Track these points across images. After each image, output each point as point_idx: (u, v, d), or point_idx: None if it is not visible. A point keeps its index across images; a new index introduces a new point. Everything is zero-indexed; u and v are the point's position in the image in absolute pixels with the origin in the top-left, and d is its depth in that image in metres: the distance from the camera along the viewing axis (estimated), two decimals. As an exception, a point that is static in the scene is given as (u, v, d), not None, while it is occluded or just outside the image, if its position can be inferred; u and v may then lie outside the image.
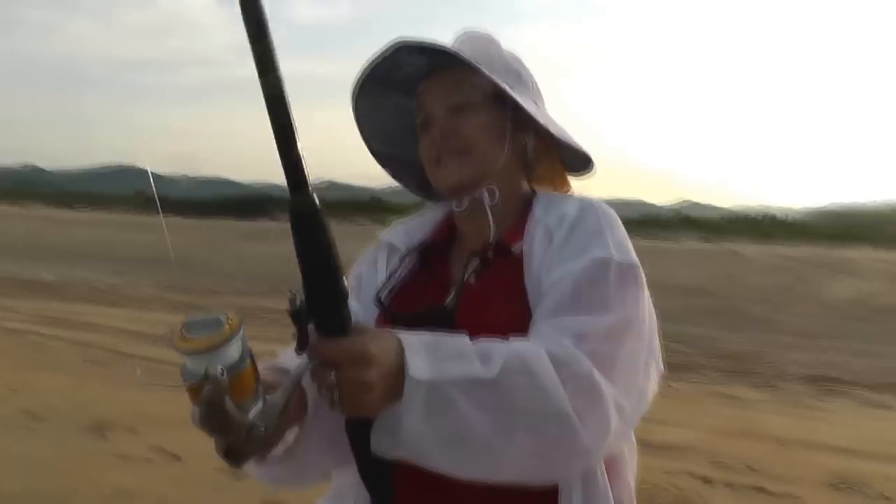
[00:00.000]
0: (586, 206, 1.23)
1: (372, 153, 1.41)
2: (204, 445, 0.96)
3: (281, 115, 0.83)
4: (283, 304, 0.89)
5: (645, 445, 4.07)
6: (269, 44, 0.81)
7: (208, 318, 0.86)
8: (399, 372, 0.94)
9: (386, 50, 1.24)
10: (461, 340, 1.01)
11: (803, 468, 5.07)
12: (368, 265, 1.35)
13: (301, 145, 0.84)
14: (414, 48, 1.24)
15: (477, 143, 1.25)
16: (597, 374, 1.02)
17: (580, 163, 1.38)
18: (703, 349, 10.18)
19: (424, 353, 0.96)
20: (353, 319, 0.96)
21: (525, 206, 1.30)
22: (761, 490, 4.66)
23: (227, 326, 0.85)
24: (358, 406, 0.93)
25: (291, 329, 0.91)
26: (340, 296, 0.90)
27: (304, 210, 0.87)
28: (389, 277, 1.30)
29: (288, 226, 0.88)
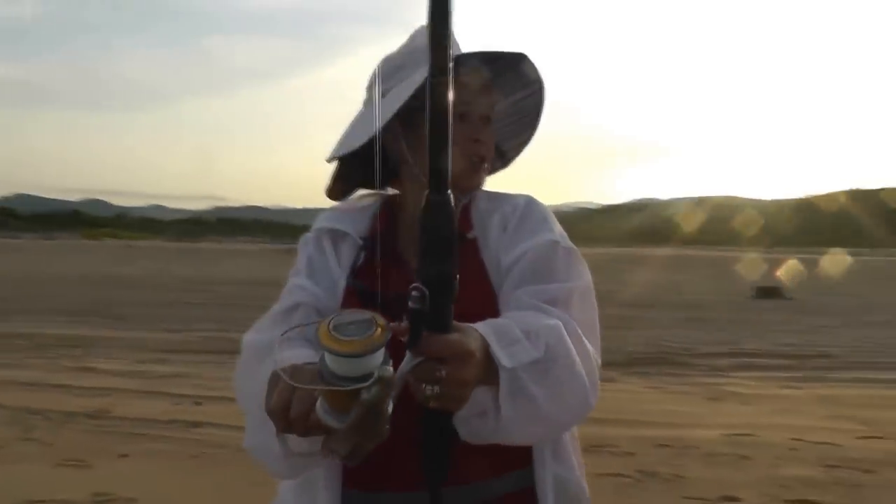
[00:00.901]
0: (531, 200, 1.39)
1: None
2: None
3: (442, 123, 0.90)
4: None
5: None
6: (448, 52, 0.87)
7: (356, 317, 0.85)
8: (488, 363, 1.02)
9: (506, 52, 1.33)
10: (509, 324, 1.10)
11: None
12: (316, 251, 1.37)
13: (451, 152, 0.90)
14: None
15: (492, 155, 1.40)
16: (583, 337, 1.19)
17: None
18: None
19: (497, 343, 1.04)
20: (313, 302, 1.23)
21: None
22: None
23: (379, 328, 0.84)
24: (459, 400, 0.97)
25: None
26: (455, 292, 0.93)
27: (442, 210, 0.92)
28: (355, 262, 1.33)
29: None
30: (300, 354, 1.10)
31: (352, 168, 1.42)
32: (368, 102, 1.40)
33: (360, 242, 1.36)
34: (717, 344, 11.74)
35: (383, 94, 1.35)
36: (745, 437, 5.96)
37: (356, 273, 1.32)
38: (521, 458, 1.26)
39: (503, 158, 1.50)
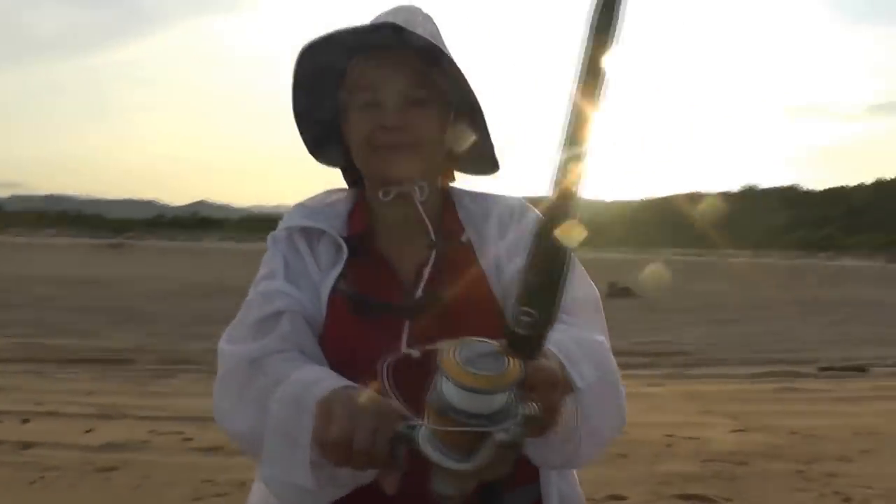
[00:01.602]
0: (525, 203, 1.34)
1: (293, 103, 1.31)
2: None
3: (582, 143, 0.80)
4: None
5: None
6: (603, 77, 0.77)
7: (483, 348, 0.79)
8: (567, 387, 1.01)
9: (377, 24, 1.20)
10: (568, 342, 1.06)
11: None
12: (290, 251, 1.28)
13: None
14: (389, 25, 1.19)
15: (428, 141, 1.24)
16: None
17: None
18: None
19: (569, 363, 1.03)
20: (298, 308, 1.18)
21: (445, 198, 1.34)
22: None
23: (511, 361, 0.78)
24: (552, 427, 0.96)
25: None
26: (556, 318, 0.85)
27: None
28: (335, 264, 1.26)
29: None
30: (320, 376, 1.06)
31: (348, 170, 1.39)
32: None
33: (341, 242, 1.27)
34: None
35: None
36: (619, 436, 5.88)
37: (344, 277, 1.24)
38: (528, 474, 1.22)
39: (483, 155, 1.35)
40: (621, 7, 0.77)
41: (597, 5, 0.77)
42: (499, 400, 0.77)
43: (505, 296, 1.24)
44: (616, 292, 19.79)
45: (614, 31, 0.77)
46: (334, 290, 1.23)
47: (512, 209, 1.33)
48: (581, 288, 1.27)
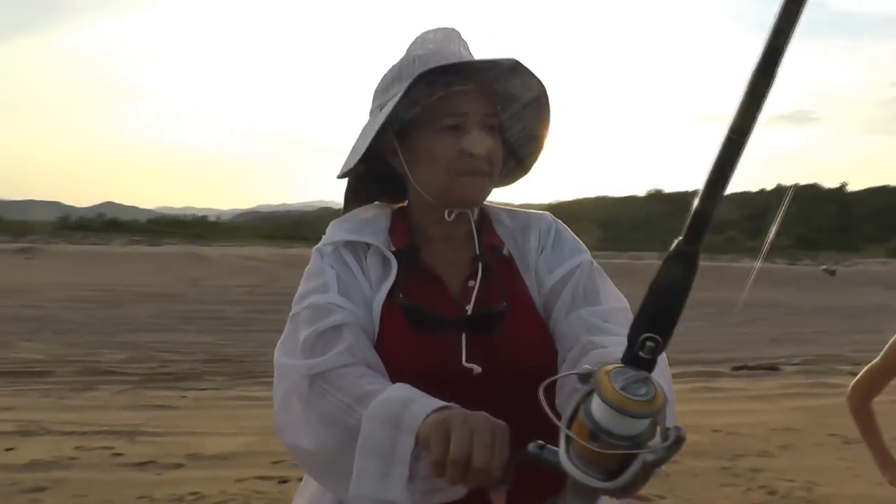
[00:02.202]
0: (552, 218, 1.42)
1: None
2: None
3: (723, 175, 0.78)
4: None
5: (200, 458, 5.30)
6: (756, 115, 0.73)
7: (634, 374, 0.81)
8: None
9: (502, 60, 1.26)
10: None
11: None
12: (339, 265, 1.30)
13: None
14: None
15: (498, 166, 1.31)
16: None
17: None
18: (199, 355, 9.77)
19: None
20: (355, 321, 1.22)
21: (479, 214, 1.39)
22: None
23: (657, 388, 0.81)
24: None
25: None
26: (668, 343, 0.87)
27: (690, 262, 0.84)
28: (385, 277, 1.29)
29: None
30: (412, 395, 1.07)
31: (354, 184, 1.42)
32: (370, 116, 1.36)
33: (390, 255, 1.31)
34: None
35: (379, 108, 1.32)
36: None
37: (399, 289, 1.27)
38: (556, 484, 1.16)
39: (522, 165, 1.45)
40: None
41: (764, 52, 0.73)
42: (646, 423, 0.80)
43: (545, 308, 1.31)
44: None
45: (775, 75, 0.75)
46: (388, 302, 1.26)
47: (549, 225, 1.39)
48: (617, 299, 1.32)
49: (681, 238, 0.83)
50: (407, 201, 1.39)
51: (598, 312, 1.26)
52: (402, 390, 1.09)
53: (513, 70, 1.30)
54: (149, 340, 10.94)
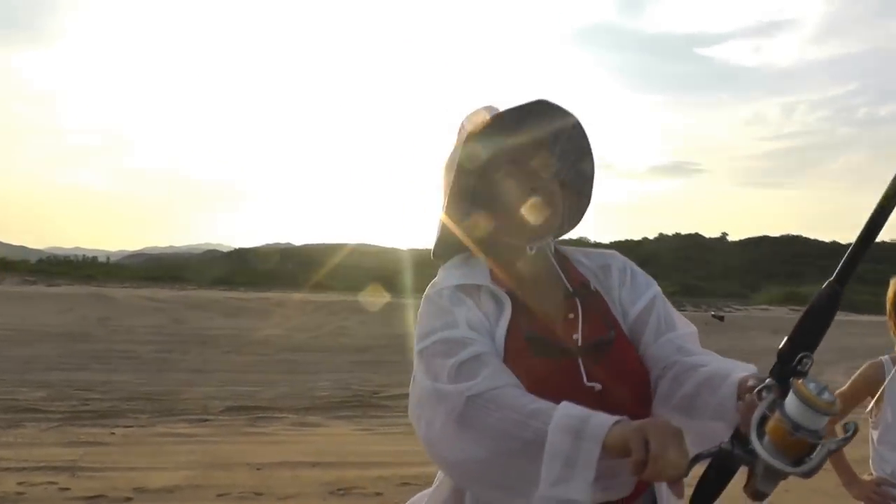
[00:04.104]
0: (621, 256, 1.62)
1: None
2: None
3: (879, 228, 1.16)
4: None
5: (147, 492, 5.52)
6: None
7: (818, 384, 1.05)
8: None
9: (531, 104, 1.46)
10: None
11: (302, 483, 5.76)
12: (460, 305, 1.45)
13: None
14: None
15: (559, 196, 1.51)
16: None
17: None
18: (118, 394, 9.89)
19: None
20: (491, 351, 1.38)
21: (558, 254, 1.59)
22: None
23: (833, 393, 1.05)
24: None
25: None
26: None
27: (837, 299, 1.17)
28: (503, 314, 1.45)
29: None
30: (585, 410, 1.22)
31: (445, 252, 1.59)
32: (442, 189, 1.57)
33: (501, 294, 1.47)
34: (404, 386, 11.68)
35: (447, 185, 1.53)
36: None
37: (515, 323, 1.44)
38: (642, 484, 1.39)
39: (584, 196, 1.63)
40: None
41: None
42: (826, 419, 1.04)
43: (632, 334, 1.51)
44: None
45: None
46: (510, 334, 1.43)
47: (623, 262, 1.60)
48: (686, 324, 1.55)
49: (832, 279, 1.16)
50: (489, 251, 1.55)
51: (680, 337, 1.49)
52: (573, 407, 1.23)
53: (543, 109, 1.49)
54: (63, 379, 10.87)
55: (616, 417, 1.20)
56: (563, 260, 1.59)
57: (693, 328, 1.54)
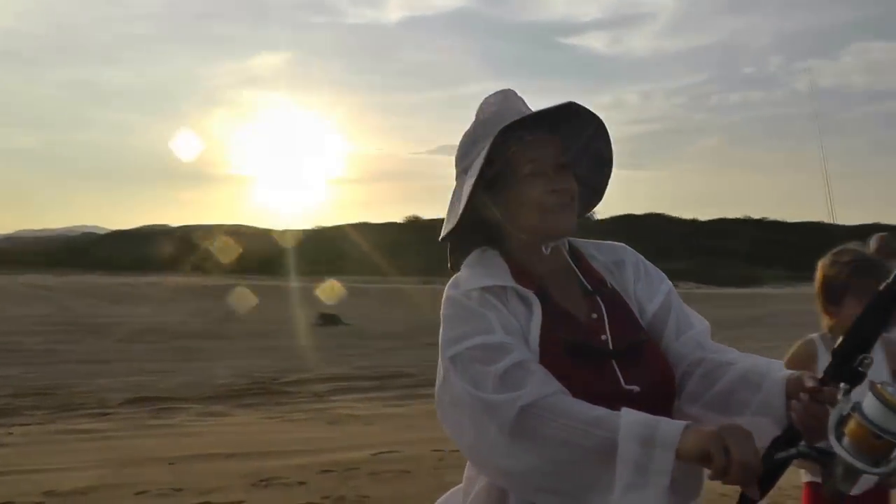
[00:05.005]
0: (632, 250, 1.63)
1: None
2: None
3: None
4: None
5: (58, 495, 5.18)
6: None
7: (893, 387, 1.11)
8: None
9: (559, 105, 1.47)
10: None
11: (221, 476, 5.61)
12: (491, 308, 1.42)
13: None
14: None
15: (577, 198, 1.51)
16: None
17: None
18: (8, 389, 9.50)
19: None
20: (529, 356, 1.36)
21: (571, 249, 1.58)
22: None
23: None
24: None
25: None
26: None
27: (892, 305, 1.25)
28: (533, 315, 1.44)
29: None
30: (649, 417, 1.24)
31: (457, 241, 1.56)
32: (458, 180, 1.55)
33: (530, 295, 1.45)
34: (301, 371, 11.99)
35: (465, 171, 1.52)
36: (392, 454, 6.35)
37: (546, 324, 1.43)
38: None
39: (597, 193, 1.65)
40: None
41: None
42: None
43: (651, 330, 1.52)
44: (326, 321, 20.19)
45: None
46: (544, 337, 1.41)
47: (636, 257, 1.61)
48: (700, 320, 1.57)
49: (890, 282, 1.23)
50: (505, 247, 1.53)
51: (699, 333, 1.51)
52: (637, 414, 1.25)
53: (570, 110, 1.49)
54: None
55: (683, 423, 1.22)
56: (577, 255, 1.58)
57: (706, 323, 1.56)
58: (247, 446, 6.59)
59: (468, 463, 1.51)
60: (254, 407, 9.05)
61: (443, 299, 1.47)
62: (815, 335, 2.78)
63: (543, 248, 1.50)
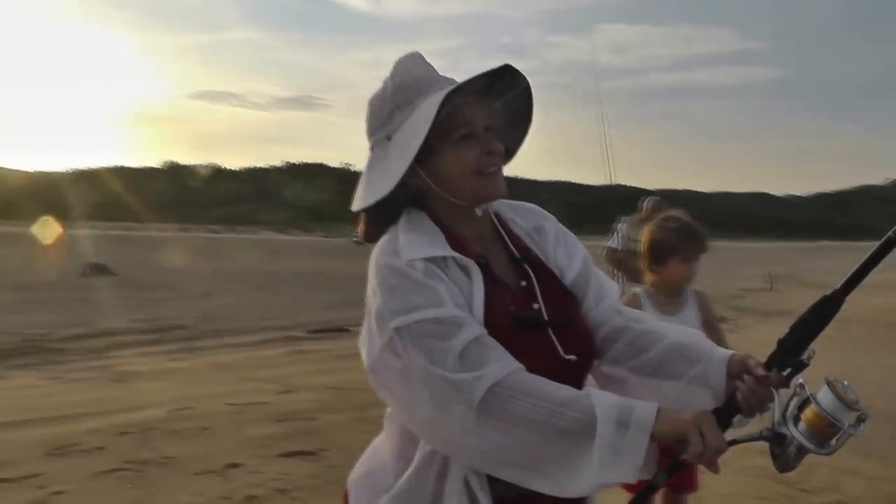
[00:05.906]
0: (549, 214, 1.64)
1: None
2: None
3: (879, 259, 1.31)
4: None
5: None
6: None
7: (847, 384, 1.28)
8: None
9: (496, 68, 1.45)
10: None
11: (10, 447, 5.30)
12: (437, 279, 1.38)
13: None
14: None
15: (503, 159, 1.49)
16: None
17: None
18: None
19: None
20: (481, 328, 1.35)
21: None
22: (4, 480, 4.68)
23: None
24: None
25: None
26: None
27: (838, 304, 1.33)
28: (476, 285, 1.41)
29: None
30: (623, 399, 1.30)
31: (378, 210, 1.47)
32: (378, 147, 1.48)
33: (470, 264, 1.42)
34: (73, 326, 11.39)
35: (387, 137, 1.46)
36: (188, 411, 6.25)
37: (488, 295, 1.41)
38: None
39: (508, 155, 1.58)
40: None
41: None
42: (849, 412, 1.26)
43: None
44: (94, 271, 19.13)
45: None
46: (489, 310, 1.39)
47: (554, 222, 1.62)
48: (613, 286, 1.62)
49: (838, 289, 1.30)
50: (431, 214, 1.49)
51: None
52: (609, 396, 1.30)
53: (500, 73, 1.47)
54: None
55: (655, 405, 1.27)
56: (501, 221, 1.58)
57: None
58: (30, 412, 6.20)
59: (385, 432, 1.52)
60: (28, 367, 8.46)
61: (379, 266, 1.40)
62: (639, 289, 3.13)
63: (477, 211, 1.49)
